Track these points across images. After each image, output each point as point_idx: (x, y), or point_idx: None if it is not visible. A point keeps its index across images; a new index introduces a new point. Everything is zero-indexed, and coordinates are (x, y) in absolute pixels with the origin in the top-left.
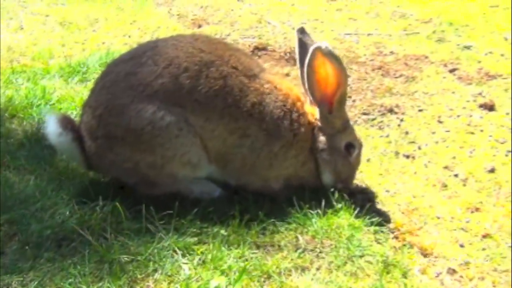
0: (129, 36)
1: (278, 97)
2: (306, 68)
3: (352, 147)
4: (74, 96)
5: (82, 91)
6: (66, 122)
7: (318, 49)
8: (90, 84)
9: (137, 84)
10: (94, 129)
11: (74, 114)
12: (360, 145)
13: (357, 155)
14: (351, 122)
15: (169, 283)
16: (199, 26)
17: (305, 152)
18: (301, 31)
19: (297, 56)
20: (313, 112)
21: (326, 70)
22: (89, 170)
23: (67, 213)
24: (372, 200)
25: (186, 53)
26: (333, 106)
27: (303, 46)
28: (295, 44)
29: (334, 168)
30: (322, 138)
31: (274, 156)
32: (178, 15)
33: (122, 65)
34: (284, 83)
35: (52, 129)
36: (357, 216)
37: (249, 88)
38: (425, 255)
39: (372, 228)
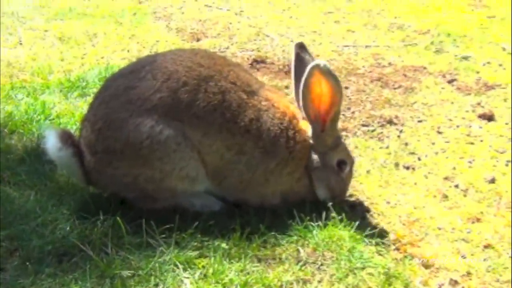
0: (128, 51)
1: (275, 115)
2: (302, 87)
3: (343, 164)
4: (73, 111)
5: (81, 106)
6: (66, 137)
7: (317, 67)
8: (90, 99)
9: (136, 98)
10: (93, 144)
11: (74, 129)
12: (352, 161)
13: (349, 171)
14: (350, 135)
15: None
16: (198, 40)
17: (300, 168)
18: (300, 46)
19: (292, 71)
20: (307, 129)
21: (321, 88)
22: (89, 186)
23: (68, 228)
24: (372, 212)
25: (185, 67)
26: (326, 124)
27: (300, 61)
28: (292, 58)
29: (328, 184)
30: (314, 156)
31: (270, 173)
32: (176, 29)
33: (121, 79)
34: (282, 100)
35: (52, 144)
36: (358, 228)
37: (247, 104)
38: (426, 267)
39: (373, 240)
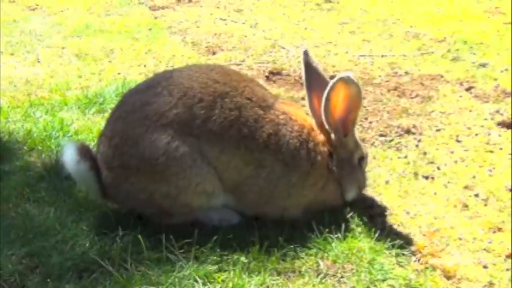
0: (145, 66)
1: (293, 128)
2: (325, 99)
3: (362, 159)
4: (91, 127)
5: (99, 122)
6: (84, 151)
7: (341, 80)
8: (107, 115)
9: (152, 114)
10: (110, 159)
11: (92, 145)
12: (366, 153)
13: (365, 163)
14: (368, 145)
15: None
16: (214, 53)
17: (323, 178)
18: (306, 53)
19: (304, 79)
20: (326, 139)
21: (339, 97)
22: (105, 200)
23: (88, 244)
24: (392, 223)
25: (201, 84)
26: (348, 129)
27: (310, 69)
28: (301, 67)
29: (359, 185)
30: (340, 163)
31: (292, 186)
32: (192, 43)
33: (137, 95)
34: (299, 113)
35: (69, 157)
36: (377, 239)
37: (264, 119)
38: (448, 277)
39: (394, 251)
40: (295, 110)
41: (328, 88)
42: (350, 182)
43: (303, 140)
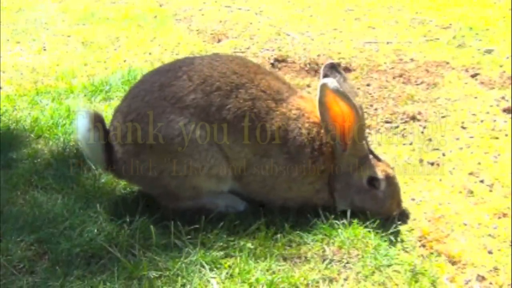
0: (150, 53)
1: (304, 124)
2: (318, 105)
3: (375, 180)
4: None
5: (105, 110)
6: (97, 120)
7: (325, 86)
8: (113, 102)
9: (171, 96)
10: (123, 134)
11: None
12: (388, 176)
13: (387, 186)
14: (373, 132)
15: None
16: (219, 41)
17: (321, 180)
18: (330, 66)
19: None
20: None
21: (340, 107)
22: (107, 172)
23: (95, 230)
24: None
25: (220, 73)
26: (347, 144)
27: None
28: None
29: (351, 204)
30: (338, 177)
31: (292, 180)
32: (197, 30)
33: (157, 76)
34: (315, 111)
35: (82, 123)
36: (383, 225)
37: (275, 111)
38: (453, 263)
39: (399, 237)
40: (312, 108)
41: (317, 93)
42: (340, 197)
43: (311, 138)
